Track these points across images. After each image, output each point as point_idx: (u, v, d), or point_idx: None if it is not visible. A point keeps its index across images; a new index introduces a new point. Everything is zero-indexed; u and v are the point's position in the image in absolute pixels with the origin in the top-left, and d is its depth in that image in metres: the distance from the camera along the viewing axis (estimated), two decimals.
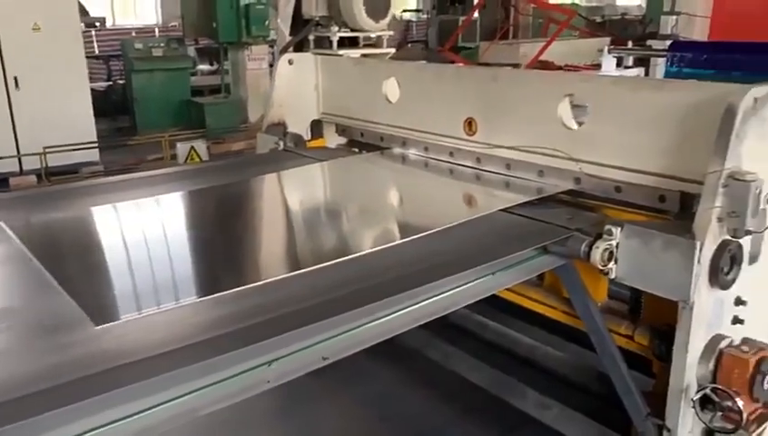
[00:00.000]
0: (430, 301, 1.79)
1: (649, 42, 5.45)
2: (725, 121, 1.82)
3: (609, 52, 5.04)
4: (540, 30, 10.07)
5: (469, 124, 2.78)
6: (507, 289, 2.32)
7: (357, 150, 3.30)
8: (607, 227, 1.93)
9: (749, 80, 2.05)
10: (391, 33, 8.80)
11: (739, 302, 1.98)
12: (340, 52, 8.12)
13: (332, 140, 3.49)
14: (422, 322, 1.75)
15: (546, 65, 6.26)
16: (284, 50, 7.51)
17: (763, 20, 5.30)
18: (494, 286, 1.96)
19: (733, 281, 1.87)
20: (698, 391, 1.88)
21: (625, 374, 2.15)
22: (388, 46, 9.08)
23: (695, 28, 5.60)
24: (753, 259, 1.97)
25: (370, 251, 1.95)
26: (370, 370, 3.01)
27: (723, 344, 1.89)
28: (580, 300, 2.15)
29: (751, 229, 1.80)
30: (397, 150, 3.08)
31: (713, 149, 1.81)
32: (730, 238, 1.83)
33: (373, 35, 8.77)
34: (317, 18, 8.40)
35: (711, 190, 1.80)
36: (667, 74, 4.64)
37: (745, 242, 1.90)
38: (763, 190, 1.83)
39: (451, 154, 2.86)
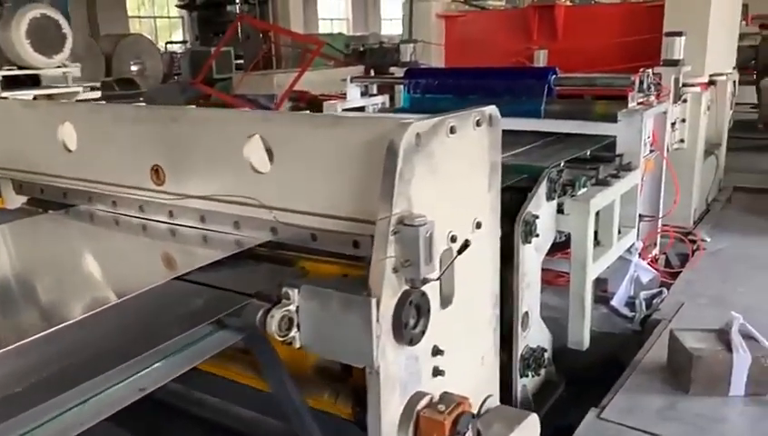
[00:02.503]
0: (75, 410, 1.42)
1: (392, 69, 5.51)
2: (388, 161, 1.66)
3: (352, 81, 4.97)
4: (298, 60, 10.07)
5: (156, 173, 2.39)
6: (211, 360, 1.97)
7: (41, 210, 2.74)
8: (284, 290, 1.67)
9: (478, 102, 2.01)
10: (76, 67, 7.83)
11: (436, 351, 1.83)
12: (5, 94, 6.98)
13: (12, 200, 2.88)
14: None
15: (302, 95, 6.06)
16: None
17: (488, 45, 5.65)
18: (161, 377, 1.60)
19: (423, 332, 1.71)
20: None
21: None
22: (150, 79, 8.32)
23: (432, 55, 5.80)
24: (446, 301, 1.84)
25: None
26: None
27: (421, 405, 1.71)
28: (271, 372, 1.85)
29: (428, 277, 1.64)
30: (83, 207, 2.60)
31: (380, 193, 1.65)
32: (410, 288, 1.66)
33: (50, 73, 7.72)
34: None
35: (382, 238, 1.61)
36: (405, 101, 4.69)
37: (433, 286, 1.75)
38: (441, 230, 1.72)
39: (141, 209, 2.45)
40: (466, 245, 1.72)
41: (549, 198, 2.96)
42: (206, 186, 2.24)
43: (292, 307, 1.65)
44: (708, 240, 4.68)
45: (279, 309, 1.62)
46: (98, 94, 9.71)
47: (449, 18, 5.93)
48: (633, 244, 3.78)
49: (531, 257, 2.86)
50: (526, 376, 2.95)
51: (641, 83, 3.76)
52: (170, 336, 1.59)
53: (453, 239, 1.83)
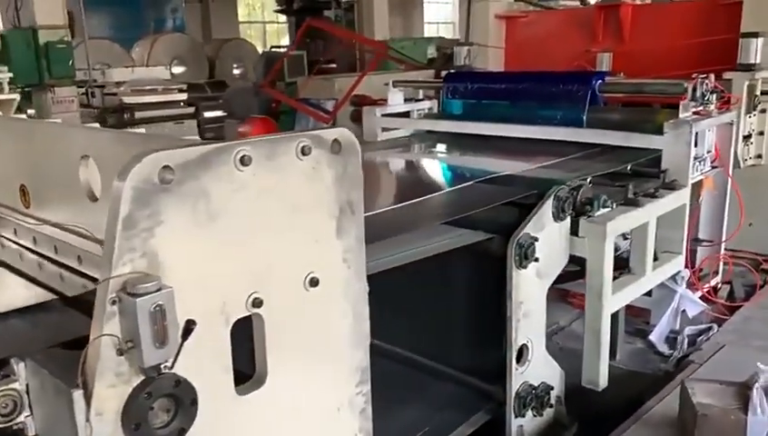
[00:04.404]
0: None
1: (444, 73, 5.26)
2: (114, 204, 1.22)
3: (395, 85, 4.78)
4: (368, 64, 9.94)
5: (23, 193, 2.08)
6: None
7: None
8: (12, 362, 1.32)
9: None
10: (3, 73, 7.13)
11: None
12: None
13: None
14: None
15: (362, 100, 5.96)
16: None
17: (550, 48, 5.27)
18: None
19: (183, 431, 1.32)
20: None
21: None
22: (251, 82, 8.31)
23: (489, 59, 5.49)
24: (257, 383, 1.45)
25: None
26: None
27: None
28: None
29: (158, 364, 1.23)
30: None
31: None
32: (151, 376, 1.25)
33: None
34: None
35: (99, 310, 1.22)
36: (445, 106, 4.44)
37: (225, 367, 1.39)
38: (222, 295, 1.37)
39: (15, 233, 2.12)
40: (188, 329, 1.27)
41: (558, 218, 2.64)
42: (57, 212, 1.88)
43: (18, 385, 1.32)
44: None
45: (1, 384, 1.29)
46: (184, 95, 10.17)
47: (510, 19, 5.59)
48: (678, 272, 3.34)
49: (530, 283, 2.55)
50: (523, 416, 2.64)
51: (694, 90, 3.30)
52: None
53: (257, 303, 1.45)
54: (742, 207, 3.67)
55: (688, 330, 3.36)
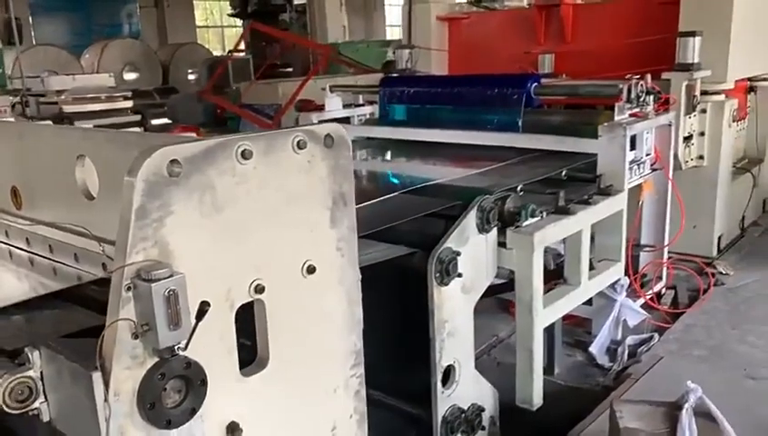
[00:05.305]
0: None
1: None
2: (127, 196, 1.29)
3: (332, 90, 4.61)
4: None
5: (15, 195, 2.23)
6: None
7: None
8: (26, 350, 1.36)
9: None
10: None
11: (233, 428, 1.49)
12: None
13: None
14: None
15: (307, 104, 5.77)
16: None
17: (492, 50, 5.15)
18: None
19: (194, 411, 1.37)
20: None
21: None
22: None
23: (432, 62, 5.34)
24: (261, 365, 1.53)
25: None
26: None
27: None
28: None
29: (172, 345, 1.29)
30: None
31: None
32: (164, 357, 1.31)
33: None
34: None
35: (115, 295, 1.28)
36: (381, 111, 4.27)
37: (229, 350, 1.45)
38: (228, 281, 1.44)
39: (7, 234, 2.26)
40: (203, 310, 1.32)
41: (483, 230, 2.48)
42: (51, 212, 2.03)
43: (32, 372, 1.36)
44: (730, 273, 4.01)
45: (11, 373, 1.33)
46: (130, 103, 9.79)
47: (453, 21, 5.45)
48: (618, 281, 3.22)
49: (454, 300, 2.40)
50: None
51: (629, 91, 3.19)
52: None
53: (259, 290, 1.51)
54: (683, 210, 3.58)
55: (629, 340, 3.24)
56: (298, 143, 1.56)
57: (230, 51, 9.42)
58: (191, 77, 17.00)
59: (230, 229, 1.44)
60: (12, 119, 7.74)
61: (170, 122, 8.84)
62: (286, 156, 1.54)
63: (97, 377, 1.26)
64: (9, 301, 1.75)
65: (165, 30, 23.25)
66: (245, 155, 1.45)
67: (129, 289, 1.26)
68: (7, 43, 13.13)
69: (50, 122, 8.01)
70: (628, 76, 3.20)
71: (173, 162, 1.32)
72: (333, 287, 1.71)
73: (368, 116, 4.74)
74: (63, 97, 9.10)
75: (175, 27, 23.36)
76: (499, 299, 3.58)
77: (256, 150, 1.47)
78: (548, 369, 3.08)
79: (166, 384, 1.33)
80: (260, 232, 1.50)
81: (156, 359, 1.30)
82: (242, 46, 18.14)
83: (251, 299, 1.50)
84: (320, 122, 4.55)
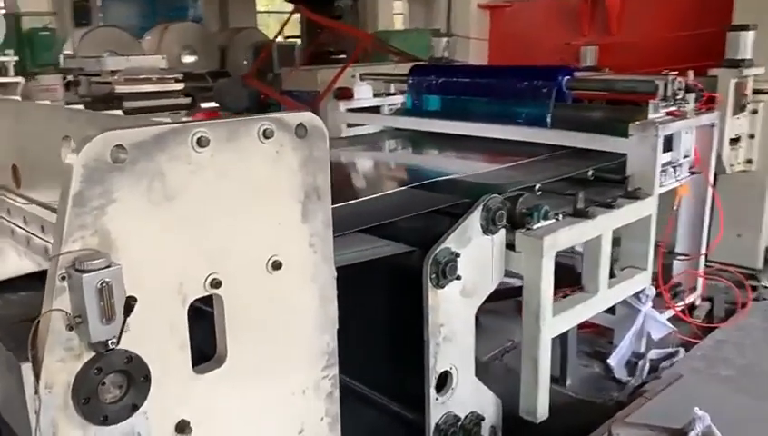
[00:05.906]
0: None
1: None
2: (65, 182, 1.23)
3: (362, 79, 4.51)
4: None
5: (15, 173, 2.21)
6: None
7: None
8: None
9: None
10: (9, 57, 7.16)
11: (183, 427, 1.44)
12: None
13: None
14: None
15: (345, 92, 5.69)
16: None
17: (535, 40, 4.93)
18: None
19: (135, 407, 1.33)
20: None
21: None
22: None
23: (473, 51, 5.16)
24: (218, 361, 1.47)
25: None
26: None
27: None
28: None
29: (105, 340, 1.23)
30: None
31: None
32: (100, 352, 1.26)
33: None
34: None
35: (50, 284, 1.24)
36: (408, 101, 4.14)
37: (181, 345, 1.39)
38: (178, 274, 1.38)
39: (9, 212, 2.21)
40: (129, 306, 1.25)
41: (488, 231, 2.34)
42: (45, 192, 1.99)
43: None
44: None
45: None
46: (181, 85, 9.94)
47: (494, 9, 5.25)
48: (643, 290, 3.02)
49: (451, 304, 2.27)
50: None
51: (665, 88, 2.97)
52: None
53: (215, 284, 1.45)
54: (722, 217, 3.34)
55: (652, 353, 3.04)
56: (264, 131, 1.49)
57: (275, 35, 9.37)
58: (246, 62, 17.17)
59: (182, 219, 1.37)
60: (61, 95, 7.99)
61: (216, 106, 8.92)
62: (250, 145, 1.47)
63: (27, 368, 1.23)
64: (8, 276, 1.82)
65: (227, 14, 23.58)
66: (201, 143, 1.38)
67: (63, 278, 1.22)
68: (77, 25, 13.53)
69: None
70: (665, 72, 2.97)
71: (118, 147, 1.26)
72: (304, 284, 1.63)
73: (398, 106, 4.62)
74: (116, 78, 9.33)
75: (236, 12, 23.66)
76: (519, 301, 3.43)
77: (214, 137, 1.40)
78: (561, 379, 2.92)
79: (104, 379, 1.28)
80: (218, 224, 1.43)
81: (93, 353, 1.26)
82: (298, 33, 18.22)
83: (206, 293, 1.44)
84: (348, 110, 4.48)
